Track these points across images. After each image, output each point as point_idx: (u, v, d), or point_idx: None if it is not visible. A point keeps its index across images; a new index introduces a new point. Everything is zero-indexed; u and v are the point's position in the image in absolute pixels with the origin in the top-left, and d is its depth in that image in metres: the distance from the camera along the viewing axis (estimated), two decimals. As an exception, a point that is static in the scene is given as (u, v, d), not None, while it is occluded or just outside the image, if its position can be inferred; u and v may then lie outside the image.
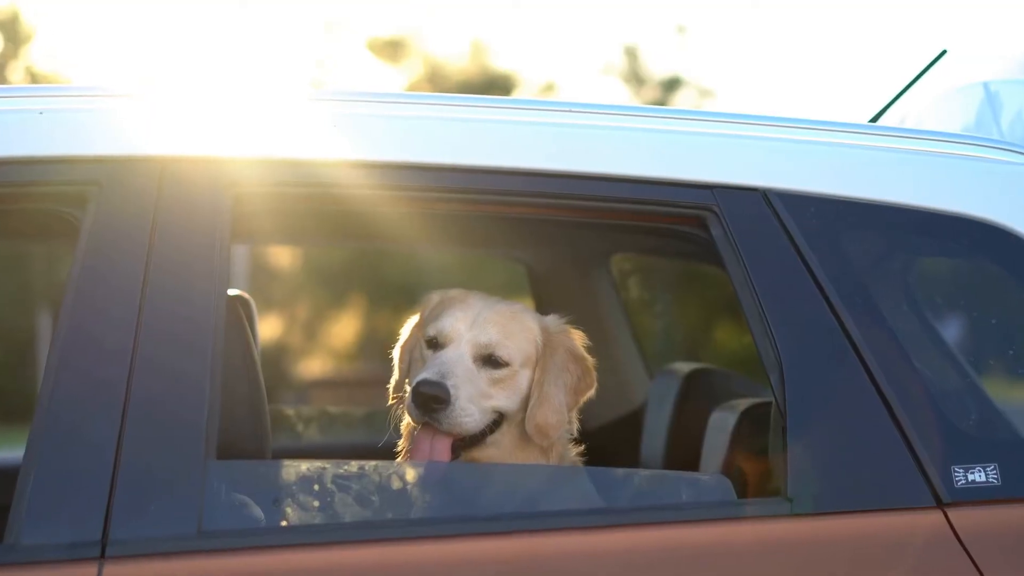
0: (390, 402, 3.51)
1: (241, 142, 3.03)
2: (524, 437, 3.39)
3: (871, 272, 3.08)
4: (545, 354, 3.41)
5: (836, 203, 3.09)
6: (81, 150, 2.96)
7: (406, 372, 3.52)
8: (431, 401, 3.23)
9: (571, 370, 3.43)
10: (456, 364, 3.30)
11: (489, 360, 3.34)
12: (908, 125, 3.82)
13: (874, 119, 3.78)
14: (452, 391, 3.24)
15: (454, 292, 3.48)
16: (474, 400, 3.28)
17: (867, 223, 3.11)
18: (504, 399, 3.36)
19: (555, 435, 3.38)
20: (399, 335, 3.58)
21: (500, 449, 3.37)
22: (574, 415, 3.46)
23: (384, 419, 5.50)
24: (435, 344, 3.37)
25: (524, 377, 3.39)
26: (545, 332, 3.44)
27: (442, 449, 3.27)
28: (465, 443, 3.31)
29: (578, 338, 3.49)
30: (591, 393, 3.46)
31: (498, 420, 3.37)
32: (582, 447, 3.51)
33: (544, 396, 3.37)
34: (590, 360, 3.47)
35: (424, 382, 3.24)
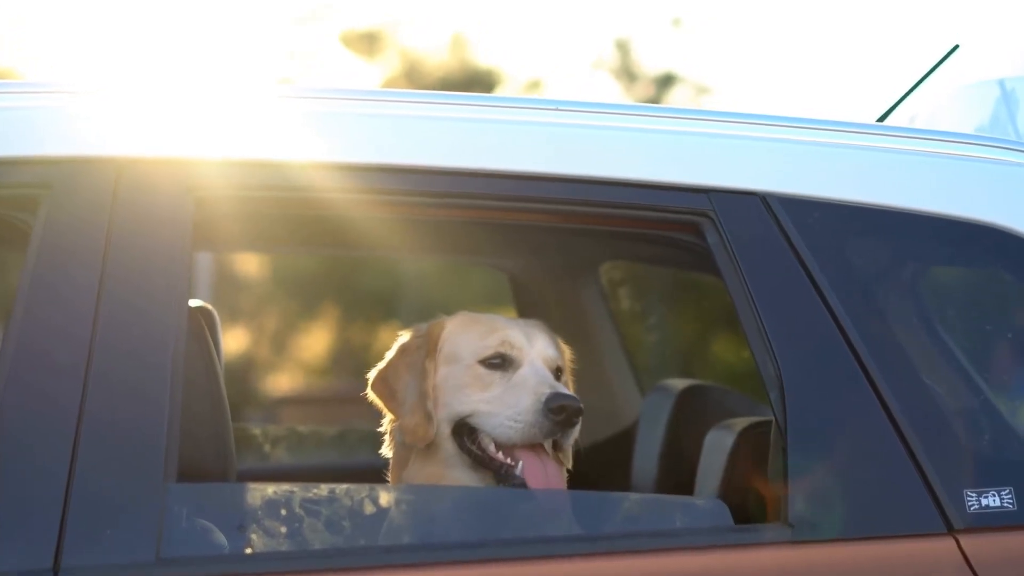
0: (389, 426, 3.49)
1: (204, 142, 3.02)
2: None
3: (878, 282, 3.09)
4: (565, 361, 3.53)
5: (840, 208, 3.10)
6: (31, 150, 2.95)
7: (421, 393, 3.42)
8: (575, 415, 3.27)
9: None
10: (551, 378, 3.35)
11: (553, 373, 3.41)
12: (918, 125, 3.83)
13: (881, 119, 3.78)
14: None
15: (467, 315, 3.51)
16: None
17: (874, 230, 3.12)
18: None
19: None
20: (385, 356, 3.53)
21: None
22: None
23: (356, 438, 5.49)
24: (499, 365, 3.38)
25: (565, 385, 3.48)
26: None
27: (556, 473, 3.32)
28: None
29: None
30: None
31: None
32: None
33: None
34: None
35: (562, 395, 3.27)
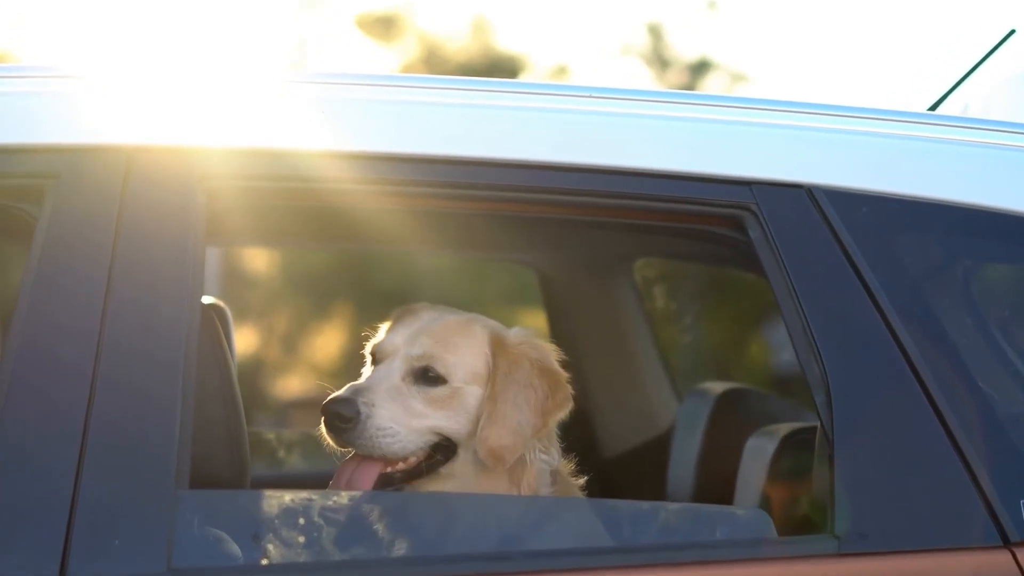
0: None
1: (215, 130, 3.03)
2: (487, 468, 3.36)
3: (929, 280, 3.09)
4: (499, 368, 3.39)
5: (890, 202, 3.10)
6: (37, 138, 2.96)
7: None
8: (335, 419, 3.28)
9: (536, 386, 3.38)
10: (380, 381, 3.34)
11: (424, 376, 3.36)
12: (972, 114, 3.82)
13: (933, 107, 3.78)
14: (363, 408, 3.27)
15: (415, 306, 3.53)
16: (399, 420, 3.30)
17: (925, 224, 3.11)
18: (446, 420, 3.35)
19: (510, 459, 3.34)
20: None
21: (458, 482, 3.36)
22: (550, 440, 3.44)
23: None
24: (376, 362, 3.44)
25: (473, 396, 3.38)
26: (499, 344, 3.42)
27: (365, 476, 3.29)
28: (409, 473, 3.33)
29: (547, 350, 3.47)
30: (564, 413, 3.42)
31: (451, 448, 3.37)
32: (583, 480, 3.50)
33: (496, 414, 3.34)
34: (562, 375, 3.44)
35: (331, 399, 3.30)
